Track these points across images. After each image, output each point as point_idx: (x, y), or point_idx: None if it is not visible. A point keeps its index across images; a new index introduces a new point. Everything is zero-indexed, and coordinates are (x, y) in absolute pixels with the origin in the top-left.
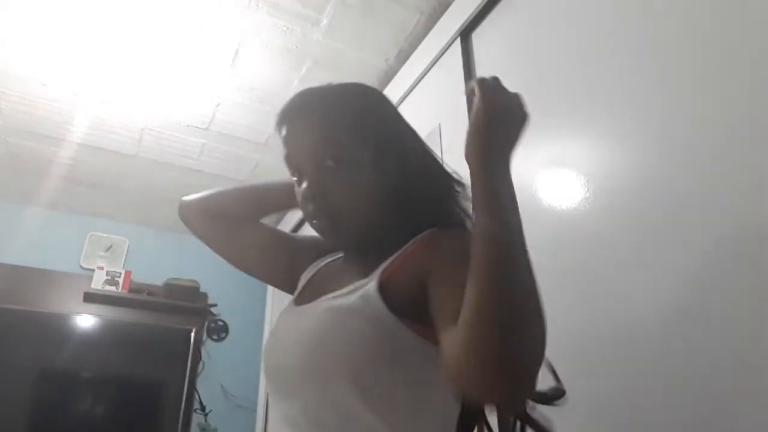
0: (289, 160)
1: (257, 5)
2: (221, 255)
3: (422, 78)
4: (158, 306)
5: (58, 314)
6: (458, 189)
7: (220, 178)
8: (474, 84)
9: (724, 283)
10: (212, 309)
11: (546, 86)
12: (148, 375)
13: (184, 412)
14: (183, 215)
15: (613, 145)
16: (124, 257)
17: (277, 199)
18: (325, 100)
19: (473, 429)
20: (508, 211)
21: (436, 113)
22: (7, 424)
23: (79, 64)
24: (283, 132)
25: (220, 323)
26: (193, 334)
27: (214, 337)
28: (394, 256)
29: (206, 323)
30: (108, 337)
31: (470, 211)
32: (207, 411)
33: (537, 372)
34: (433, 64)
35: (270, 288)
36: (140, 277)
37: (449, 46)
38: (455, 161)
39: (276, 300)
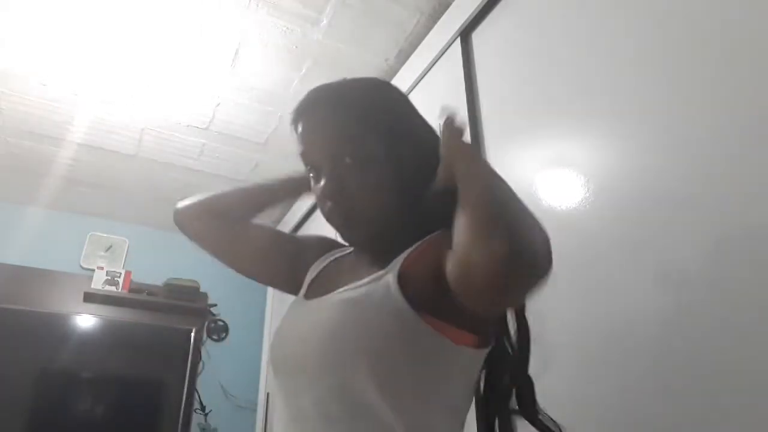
0: (305, 157)
1: (257, 5)
2: (221, 258)
3: (422, 78)
4: (158, 306)
5: (58, 314)
6: None
7: (220, 178)
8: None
9: (725, 283)
10: (212, 309)
11: (546, 86)
12: (148, 375)
13: (184, 412)
14: (179, 220)
15: (613, 145)
16: (124, 257)
17: (273, 194)
18: (340, 96)
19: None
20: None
21: (436, 113)
22: (7, 424)
23: (79, 64)
24: (299, 129)
25: (220, 323)
26: (193, 334)
27: (214, 337)
28: (412, 248)
29: (206, 323)
30: (108, 337)
31: None
32: (207, 411)
33: (545, 240)
34: (433, 64)
35: (270, 288)
36: (140, 277)
37: (449, 46)
38: None
39: (276, 300)
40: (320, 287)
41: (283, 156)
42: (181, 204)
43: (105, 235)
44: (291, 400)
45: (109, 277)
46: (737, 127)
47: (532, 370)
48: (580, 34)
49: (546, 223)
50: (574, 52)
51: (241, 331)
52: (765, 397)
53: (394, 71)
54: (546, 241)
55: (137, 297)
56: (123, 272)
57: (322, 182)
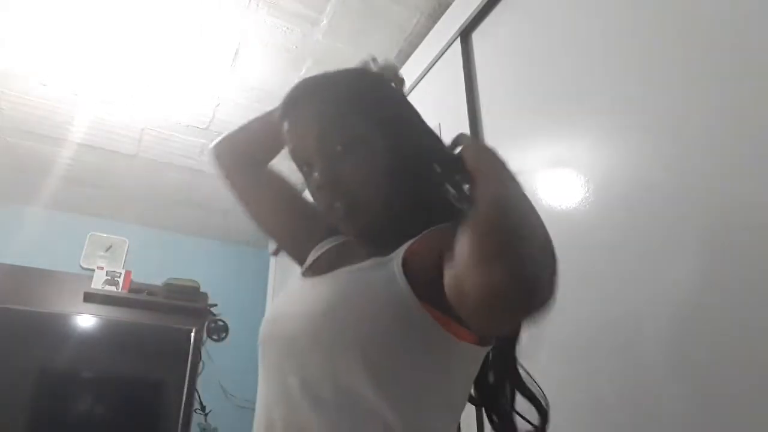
0: (296, 153)
1: (257, 5)
2: (244, 204)
3: (422, 78)
4: (158, 306)
5: (58, 314)
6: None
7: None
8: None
9: (725, 283)
10: (212, 309)
11: (546, 86)
12: (148, 375)
13: (184, 412)
14: (216, 158)
15: (612, 145)
16: (124, 257)
17: None
18: (325, 86)
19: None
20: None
21: (436, 113)
22: (7, 424)
23: (79, 64)
24: (286, 126)
25: (220, 323)
26: (193, 334)
27: (214, 337)
28: (416, 238)
29: (206, 323)
30: (108, 337)
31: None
32: (207, 411)
33: (550, 271)
34: (433, 64)
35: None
36: (140, 277)
37: (449, 46)
38: None
39: None
40: (320, 268)
41: (284, 155)
42: (216, 140)
43: (105, 235)
44: (278, 379)
45: (109, 277)
46: (737, 127)
47: (531, 370)
48: (580, 33)
49: (546, 223)
50: (574, 51)
51: (241, 331)
52: (765, 398)
53: None
54: (552, 271)
55: (137, 297)
56: (123, 272)
57: (315, 174)
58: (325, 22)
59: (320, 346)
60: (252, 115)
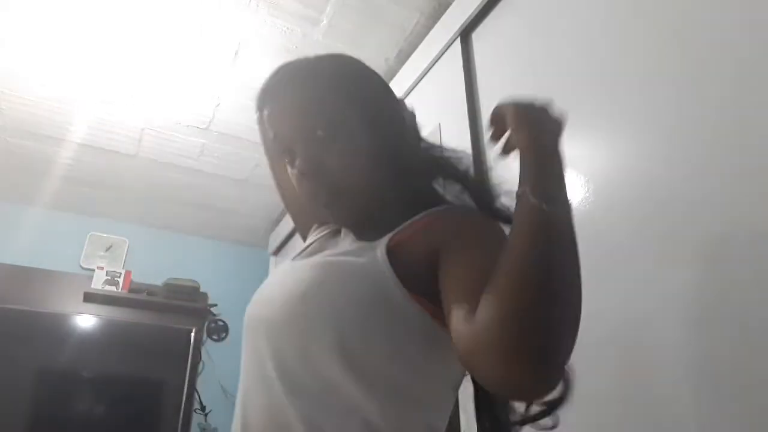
0: (277, 141)
1: (257, 5)
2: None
3: (422, 78)
4: (158, 306)
5: (58, 314)
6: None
7: (220, 178)
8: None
9: (726, 283)
10: (212, 309)
11: (546, 86)
12: (148, 375)
13: (184, 412)
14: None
15: (613, 145)
16: (124, 257)
17: None
18: (305, 71)
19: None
20: (557, 186)
21: (436, 113)
22: (7, 424)
23: (79, 64)
24: (266, 113)
25: (220, 323)
26: (193, 334)
27: (214, 337)
28: (403, 225)
29: (206, 323)
30: (108, 337)
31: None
32: (207, 411)
33: (569, 354)
34: (433, 64)
35: None
36: (140, 277)
37: (449, 46)
38: None
39: None
40: (309, 252)
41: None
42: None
43: (105, 235)
44: (257, 365)
45: (109, 277)
46: (738, 126)
47: None
48: (580, 33)
49: None
50: (574, 51)
51: (241, 331)
52: (764, 397)
53: (394, 71)
54: (578, 316)
55: (137, 297)
56: (123, 272)
57: (297, 162)
58: (325, 22)
59: (296, 330)
60: (252, 114)
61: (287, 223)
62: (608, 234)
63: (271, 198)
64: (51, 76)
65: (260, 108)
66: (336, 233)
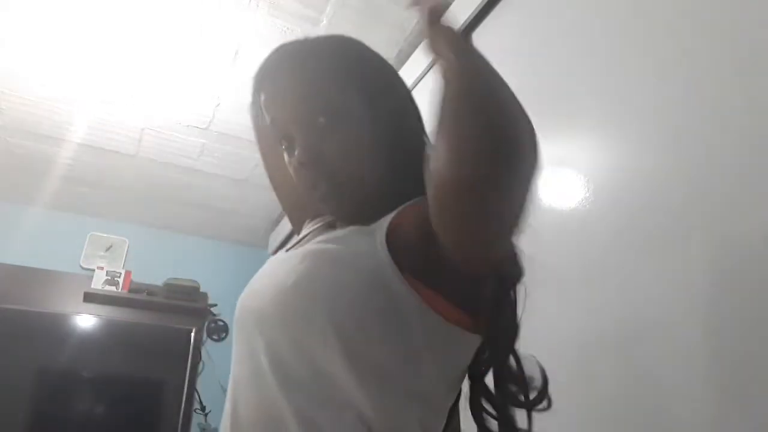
0: (275, 126)
1: (257, 5)
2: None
3: (422, 78)
4: (158, 306)
5: (58, 314)
6: None
7: (220, 177)
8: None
9: (726, 283)
10: (212, 309)
11: (546, 86)
12: (148, 375)
13: (184, 412)
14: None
15: (613, 145)
16: (124, 257)
17: None
18: (305, 52)
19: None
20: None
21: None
22: (7, 424)
23: (79, 64)
24: (263, 97)
25: (220, 323)
26: (193, 334)
27: (214, 337)
28: (398, 210)
29: (206, 323)
30: (108, 337)
31: None
32: (207, 411)
33: (529, 142)
34: (434, 64)
35: None
36: (140, 277)
37: None
38: None
39: None
40: (302, 244)
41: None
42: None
43: (105, 235)
44: (249, 359)
45: (109, 277)
46: (738, 126)
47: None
48: (580, 34)
49: (546, 223)
50: (574, 51)
51: None
52: (764, 397)
53: None
54: (531, 133)
55: (137, 297)
56: (123, 272)
57: (296, 151)
58: (325, 22)
59: (290, 321)
60: None
61: (287, 223)
62: (608, 234)
63: (271, 198)
64: (51, 76)
65: (257, 91)
66: (331, 225)
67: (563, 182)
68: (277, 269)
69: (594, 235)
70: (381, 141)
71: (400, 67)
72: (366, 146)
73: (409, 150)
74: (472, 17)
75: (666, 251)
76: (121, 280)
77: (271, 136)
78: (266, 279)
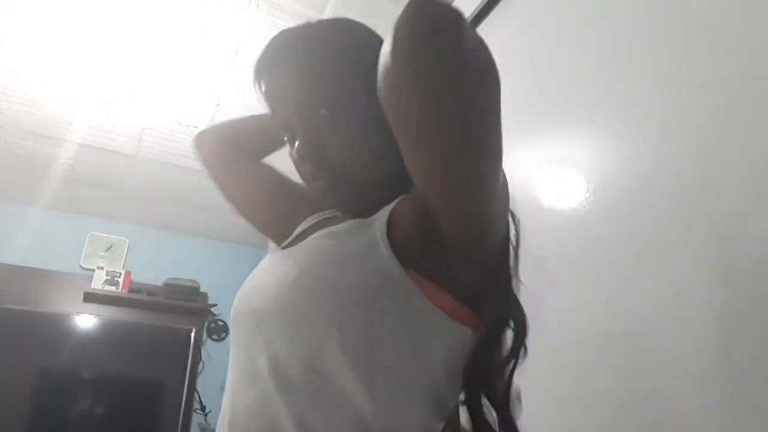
0: (276, 118)
1: (257, 5)
2: (225, 190)
3: None
4: (158, 306)
5: (58, 314)
6: None
7: None
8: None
9: (726, 283)
10: (212, 309)
11: (546, 86)
12: (148, 375)
13: (184, 412)
14: (197, 144)
15: (613, 145)
16: (124, 257)
17: None
18: (306, 38)
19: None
20: None
21: None
22: (7, 424)
23: (79, 64)
24: (263, 87)
25: (220, 323)
26: (193, 334)
27: (214, 337)
28: (396, 201)
29: (206, 323)
30: (108, 337)
31: None
32: (207, 411)
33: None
34: None
35: None
36: (140, 277)
37: None
38: None
39: None
40: (302, 239)
41: (284, 154)
42: (202, 128)
43: (105, 235)
44: (246, 359)
45: (109, 277)
46: (738, 126)
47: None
48: (580, 33)
49: (546, 223)
50: (574, 51)
51: None
52: (763, 397)
53: None
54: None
55: (137, 297)
56: (123, 272)
57: (297, 143)
58: None
59: (288, 320)
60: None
61: None
62: (608, 234)
63: None
64: (51, 76)
65: (257, 80)
66: (331, 220)
67: (563, 182)
68: (276, 266)
69: (594, 235)
70: (382, 132)
71: None
72: (368, 137)
73: None
74: (472, 17)
75: (667, 251)
76: (121, 280)
77: (274, 125)
78: (264, 276)
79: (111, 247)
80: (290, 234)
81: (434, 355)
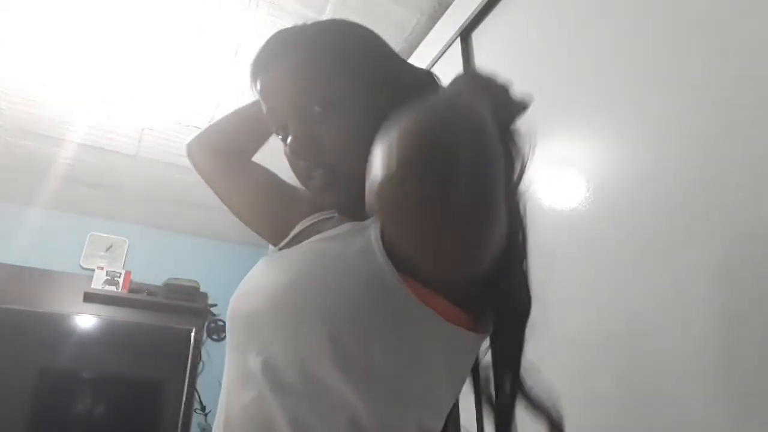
0: (271, 116)
1: (257, 5)
2: (220, 194)
3: None
4: (158, 306)
5: (58, 314)
6: None
7: None
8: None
9: (726, 283)
10: (212, 309)
11: (546, 86)
12: (148, 375)
13: (184, 412)
14: (188, 154)
15: (613, 145)
16: (124, 257)
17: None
18: (301, 38)
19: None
20: None
21: None
22: (7, 424)
23: (79, 64)
24: (258, 86)
25: (220, 323)
26: (193, 334)
27: (214, 337)
28: None
29: (206, 323)
30: (108, 337)
31: None
32: (207, 411)
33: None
34: (433, 64)
35: None
36: (140, 277)
37: (449, 46)
38: None
39: None
40: (296, 241)
41: (281, 158)
42: (191, 138)
43: (105, 235)
44: (241, 362)
45: (109, 277)
46: (738, 126)
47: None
48: (580, 33)
49: (546, 222)
50: (574, 51)
51: None
52: (763, 398)
53: None
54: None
55: (137, 297)
56: (123, 272)
57: (290, 139)
58: None
59: (283, 322)
60: None
61: None
62: (608, 234)
63: None
64: (51, 76)
65: (253, 79)
66: (327, 222)
67: (563, 182)
68: (271, 269)
69: (594, 235)
70: (376, 129)
71: None
72: (366, 136)
73: None
74: (472, 17)
75: (667, 251)
76: (121, 280)
77: (270, 122)
78: (259, 279)
79: (111, 247)
80: (287, 235)
81: (431, 358)
